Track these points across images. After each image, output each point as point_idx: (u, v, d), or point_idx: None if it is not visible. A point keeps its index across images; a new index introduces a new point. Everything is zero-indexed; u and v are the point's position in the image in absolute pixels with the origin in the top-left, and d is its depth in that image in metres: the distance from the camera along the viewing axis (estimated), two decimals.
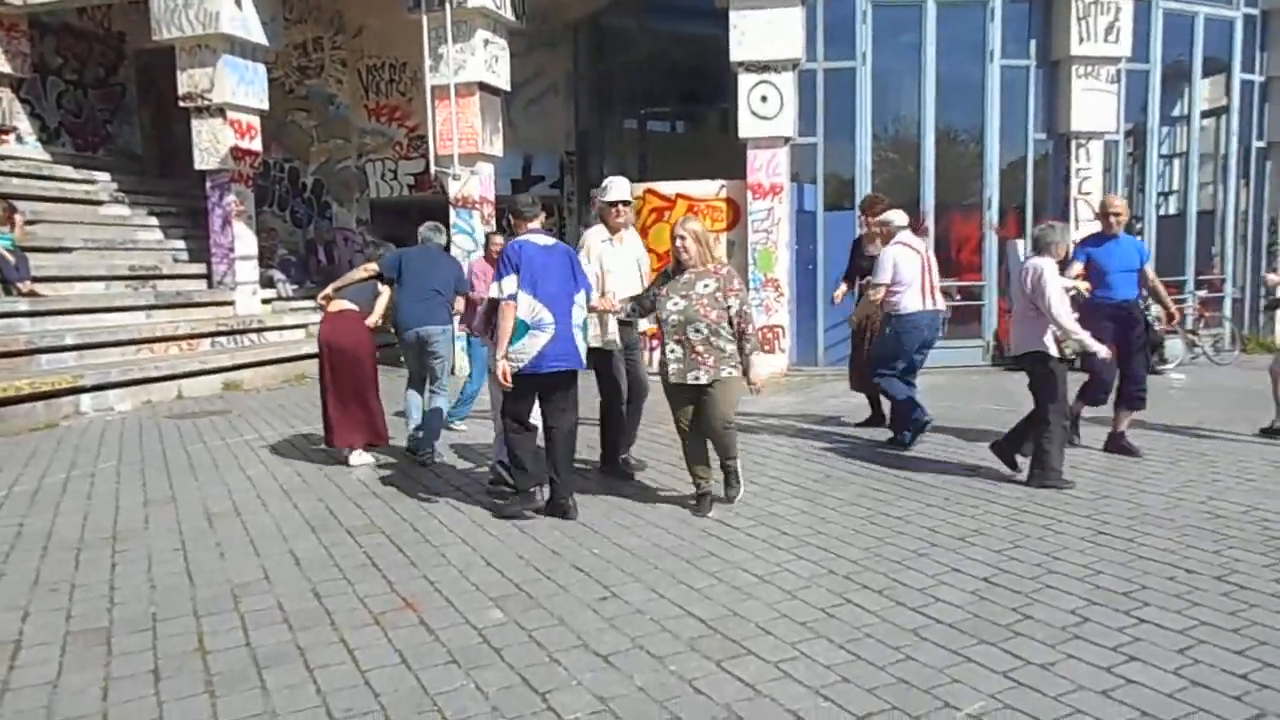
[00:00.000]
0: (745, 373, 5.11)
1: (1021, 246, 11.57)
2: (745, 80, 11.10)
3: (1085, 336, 5.56)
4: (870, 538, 4.72)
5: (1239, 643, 3.41)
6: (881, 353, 6.93)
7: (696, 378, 5.04)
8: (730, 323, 5.05)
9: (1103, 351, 5.65)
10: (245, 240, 12.70)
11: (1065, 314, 5.53)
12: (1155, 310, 10.54)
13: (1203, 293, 12.51)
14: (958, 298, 11.88)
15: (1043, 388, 5.64)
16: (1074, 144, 11.56)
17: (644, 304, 5.35)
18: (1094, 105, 11.46)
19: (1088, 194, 11.55)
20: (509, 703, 3.08)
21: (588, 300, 5.27)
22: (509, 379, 4.99)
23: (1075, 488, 5.53)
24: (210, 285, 12.78)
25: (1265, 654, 3.31)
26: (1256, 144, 13.13)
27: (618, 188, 5.92)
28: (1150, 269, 6.72)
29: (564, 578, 4.24)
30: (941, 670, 3.26)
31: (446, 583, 4.20)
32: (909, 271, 6.67)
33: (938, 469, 6.14)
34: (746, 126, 11.17)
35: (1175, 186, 13.34)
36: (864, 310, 7.39)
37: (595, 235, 5.95)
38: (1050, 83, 11.62)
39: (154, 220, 13.83)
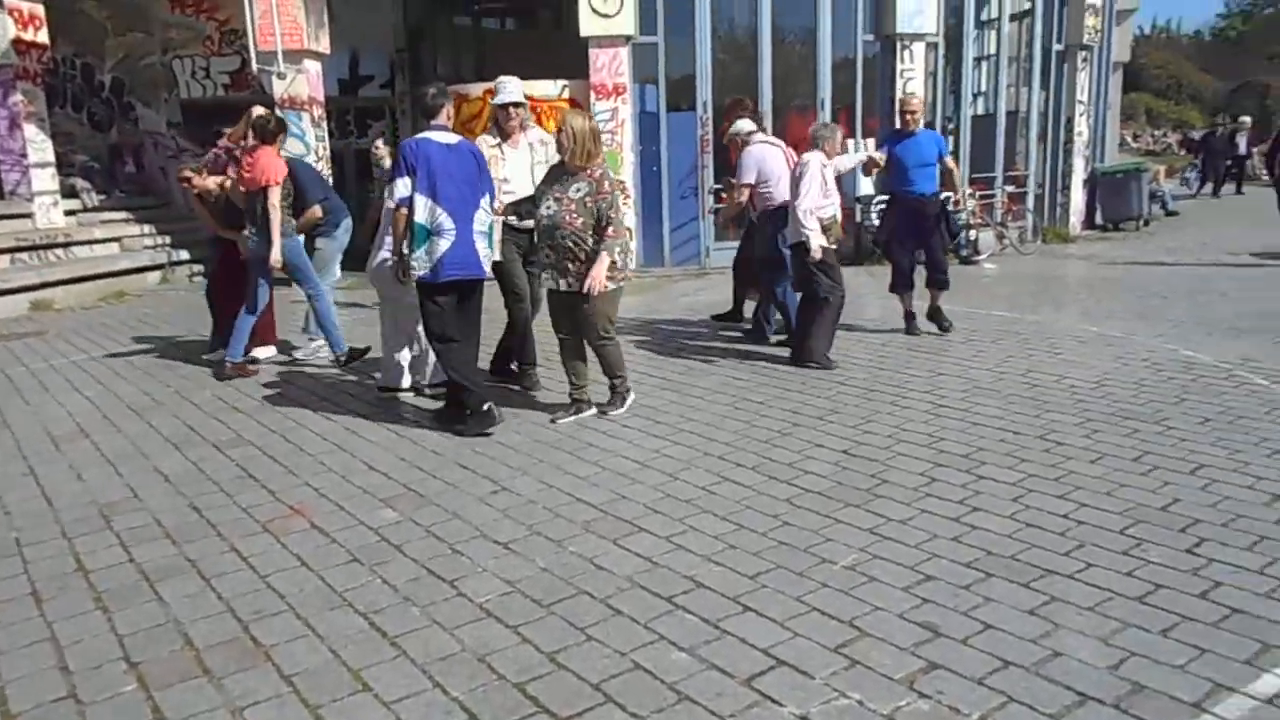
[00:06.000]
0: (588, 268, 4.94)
1: (852, 147, 12.11)
2: None
3: (812, 233, 6.02)
4: (738, 421, 5.03)
5: (1060, 489, 3.92)
6: (769, 255, 6.83)
7: (568, 285, 4.97)
8: (598, 228, 4.91)
9: (816, 253, 6.04)
10: (39, 146, 11.47)
11: (808, 208, 6.02)
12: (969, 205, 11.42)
13: (1010, 188, 13.54)
14: None
15: (809, 274, 6.14)
16: (899, 45, 12.07)
17: (528, 208, 5.19)
18: (916, 7, 11.95)
19: (911, 94, 12.14)
20: (419, 592, 3.17)
21: (491, 205, 5.01)
22: (407, 277, 4.84)
23: (839, 368, 6.09)
24: (1, 196, 11.53)
25: (1082, 497, 3.82)
26: (1056, 47, 14.11)
27: (509, 89, 5.53)
28: (950, 160, 7.20)
29: (450, 475, 4.30)
30: (816, 532, 3.59)
31: (331, 488, 4.18)
32: (776, 167, 6.79)
33: (788, 357, 6.52)
34: (587, 24, 10.98)
35: (984, 88, 14.22)
36: (730, 211, 7.63)
37: (484, 141, 5.56)
38: None
39: None
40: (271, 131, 6.27)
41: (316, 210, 6.64)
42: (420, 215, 4.70)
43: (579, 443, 4.74)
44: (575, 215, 4.90)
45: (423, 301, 4.93)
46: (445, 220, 4.71)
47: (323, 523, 3.79)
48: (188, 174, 6.73)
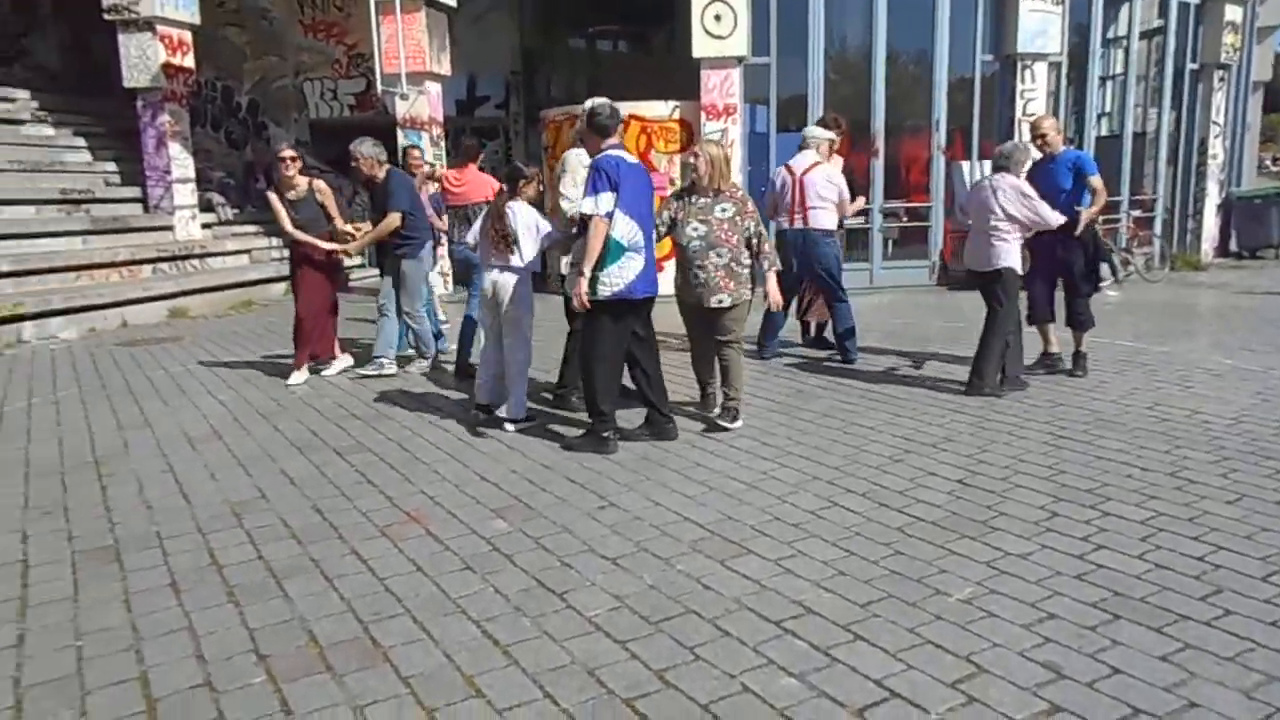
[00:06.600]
0: (760, 286, 5.31)
1: (967, 168, 11.82)
2: None
3: (1055, 216, 5.89)
4: (848, 446, 4.94)
5: (1194, 530, 3.71)
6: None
7: (720, 301, 5.15)
8: (748, 245, 5.16)
9: (1058, 219, 5.90)
10: (182, 162, 12.24)
11: (1051, 214, 5.85)
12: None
13: (1136, 212, 12.97)
14: (905, 219, 12.14)
15: (1007, 302, 5.89)
16: (1020, 65, 11.74)
17: (658, 229, 5.25)
18: (1039, 26, 11.62)
19: (1032, 115, 11.76)
20: (530, 603, 3.22)
21: None
22: (587, 303, 4.76)
23: (1004, 399, 5.85)
24: (146, 209, 12.32)
25: (1219, 539, 3.61)
26: (1189, 66, 13.49)
27: None
28: (1094, 179, 6.30)
29: (559, 489, 4.37)
30: (930, 563, 3.49)
31: (445, 496, 4.30)
32: (779, 193, 7.10)
33: (902, 383, 6.40)
34: (700, 46, 11.07)
35: (1109, 109, 13.69)
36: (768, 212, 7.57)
37: (578, 159, 5.54)
38: (998, 3, 11.71)
39: (81, 141, 13.17)
40: (476, 149, 7.15)
41: (395, 218, 6.54)
42: (619, 232, 4.72)
43: (686, 461, 4.75)
44: (730, 234, 5.13)
45: (600, 321, 4.85)
46: (640, 238, 4.79)
47: (437, 530, 3.90)
48: (290, 153, 6.72)
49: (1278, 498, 4.02)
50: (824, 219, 7.03)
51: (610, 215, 4.69)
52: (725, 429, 5.27)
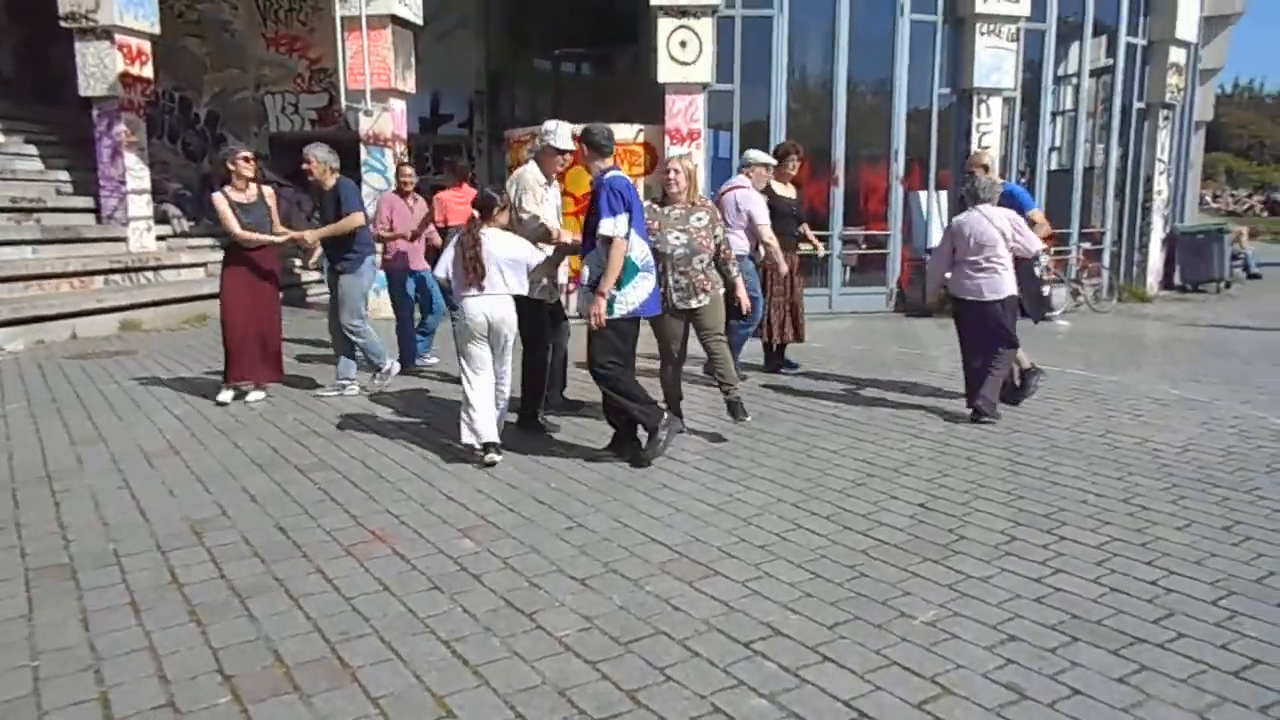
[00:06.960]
0: (733, 292, 5.76)
1: (925, 198, 12.09)
2: (665, 24, 11.09)
3: (1038, 243, 6.30)
4: (811, 470, 5.01)
5: (1147, 555, 3.82)
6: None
7: (701, 301, 5.49)
8: (716, 251, 5.59)
9: (1040, 245, 6.33)
10: (138, 173, 12.03)
11: (1037, 242, 6.22)
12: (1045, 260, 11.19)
13: (1086, 245, 13.34)
14: (864, 246, 12.36)
15: (1010, 326, 6.04)
16: (975, 99, 12.05)
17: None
18: (995, 62, 11.95)
19: (987, 148, 12.08)
20: (499, 623, 3.21)
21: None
22: (604, 323, 4.83)
23: (961, 426, 5.97)
24: (100, 220, 12.08)
25: (1170, 564, 3.73)
26: (1136, 105, 13.95)
27: (567, 136, 5.51)
28: (1032, 213, 6.67)
29: (527, 509, 4.36)
30: (894, 585, 3.55)
31: (410, 516, 4.27)
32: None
33: (863, 405, 6.50)
34: (666, 71, 11.19)
35: (1059, 144, 14.09)
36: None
37: (534, 176, 5.59)
38: (955, 39, 12.04)
39: (33, 149, 12.89)
40: (466, 169, 7.79)
41: (358, 216, 6.49)
42: (635, 253, 4.87)
43: (653, 483, 4.77)
44: (707, 240, 5.48)
45: (614, 339, 4.92)
46: (650, 257, 4.99)
47: (403, 549, 3.87)
48: (247, 153, 6.53)
49: (1225, 524, 4.16)
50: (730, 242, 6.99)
51: (628, 236, 4.80)
52: (740, 424, 5.73)
